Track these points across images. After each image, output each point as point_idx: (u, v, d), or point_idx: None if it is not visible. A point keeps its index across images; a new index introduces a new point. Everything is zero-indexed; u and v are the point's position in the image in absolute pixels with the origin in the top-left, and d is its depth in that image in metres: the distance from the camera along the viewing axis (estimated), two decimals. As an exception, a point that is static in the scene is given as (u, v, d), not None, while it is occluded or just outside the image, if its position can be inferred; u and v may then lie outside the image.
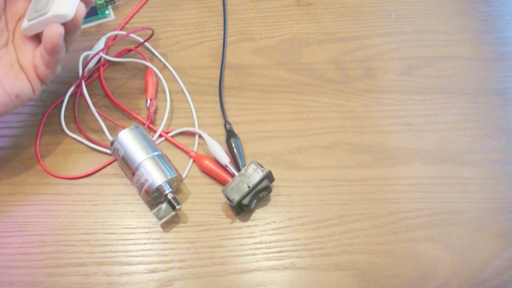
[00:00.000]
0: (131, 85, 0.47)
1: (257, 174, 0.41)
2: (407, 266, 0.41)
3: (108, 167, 0.44)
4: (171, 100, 0.46)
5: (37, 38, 0.40)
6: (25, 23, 0.39)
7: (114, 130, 0.43)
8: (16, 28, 0.40)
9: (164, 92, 0.47)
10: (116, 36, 0.49)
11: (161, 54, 0.49)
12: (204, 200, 0.43)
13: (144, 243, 0.41)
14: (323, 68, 0.50)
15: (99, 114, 0.44)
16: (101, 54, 0.47)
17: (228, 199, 0.40)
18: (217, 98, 0.47)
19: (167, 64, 0.49)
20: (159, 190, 0.40)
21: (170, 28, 0.51)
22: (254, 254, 0.41)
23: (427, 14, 0.54)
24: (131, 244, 0.41)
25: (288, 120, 0.47)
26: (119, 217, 0.42)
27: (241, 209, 0.41)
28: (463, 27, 0.53)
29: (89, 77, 0.47)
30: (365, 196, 0.44)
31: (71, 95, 0.46)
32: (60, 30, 0.37)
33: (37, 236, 0.40)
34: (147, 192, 0.40)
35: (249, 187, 0.40)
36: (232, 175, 0.42)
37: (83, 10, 0.38)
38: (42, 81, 0.40)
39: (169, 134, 0.45)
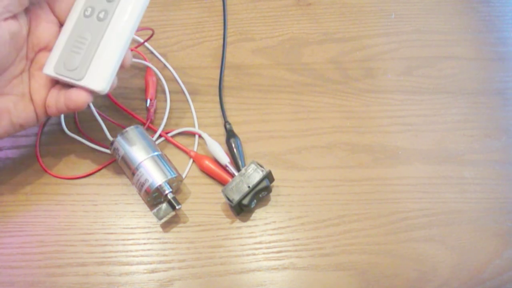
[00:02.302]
0: (131, 85, 0.47)
1: (257, 174, 0.40)
2: (407, 266, 0.41)
3: (108, 167, 0.44)
4: (171, 100, 0.46)
5: None
6: (49, 70, 0.37)
7: (114, 130, 0.43)
8: (34, 58, 0.38)
9: (164, 92, 0.47)
10: (116, 36, 0.49)
11: (161, 54, 0.49)
12: (204, 200, 0.43)
13: (144, 243, 0.41)
14: (323, 68, 0.50)
15: (99, 114, 0.44)
16: (101, 54, 0.47)
17: (228, 199, 0.40)
18: (217, 98, 0.47)
19: (167, 64, 0.49)
20: (159, 190, 0.40)
21: (170, 28, 0.51)
22: (254, 254, 0.41)
23: (427, 14, 0.54)
24: (131, 244, 0.41)
25: (288, 120, 0.47)
26: (119, 217, 0.42)
27: (241, 209, 0.41)
28: (463, 27, 0.53)
29: (89, 77, 0.47)
30: (365, 196, 0.44)
31: (71, 95, 0.46)
32: (89, 99, 0.36)
33: (37, 236, 0.40)
34: (147, 192, 0.40)
35: (249, 187, 0.40)
36: (232, 175, 0.42)
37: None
38: (48, 115, 0.39)
39: (169, 134, 0.45)
